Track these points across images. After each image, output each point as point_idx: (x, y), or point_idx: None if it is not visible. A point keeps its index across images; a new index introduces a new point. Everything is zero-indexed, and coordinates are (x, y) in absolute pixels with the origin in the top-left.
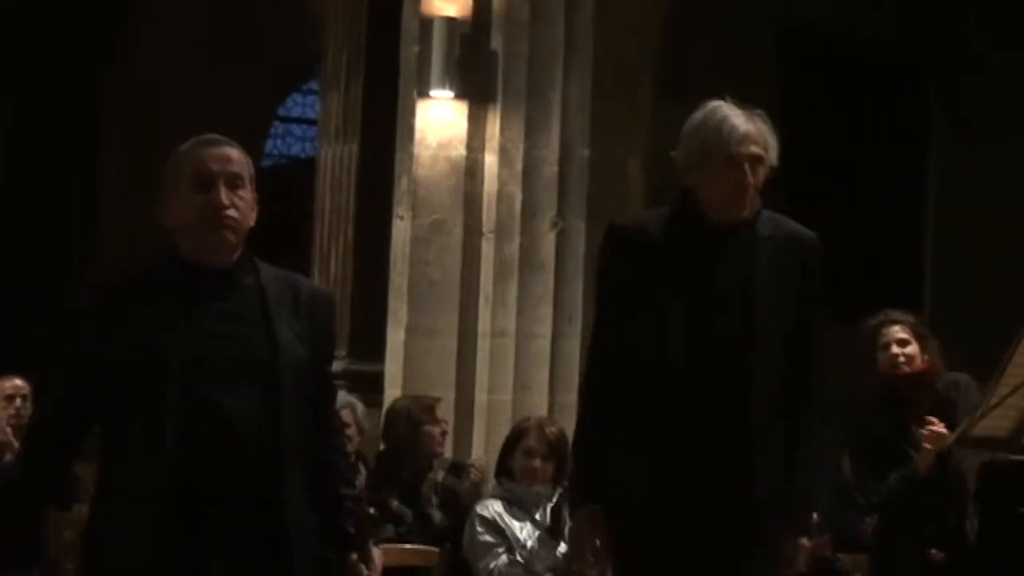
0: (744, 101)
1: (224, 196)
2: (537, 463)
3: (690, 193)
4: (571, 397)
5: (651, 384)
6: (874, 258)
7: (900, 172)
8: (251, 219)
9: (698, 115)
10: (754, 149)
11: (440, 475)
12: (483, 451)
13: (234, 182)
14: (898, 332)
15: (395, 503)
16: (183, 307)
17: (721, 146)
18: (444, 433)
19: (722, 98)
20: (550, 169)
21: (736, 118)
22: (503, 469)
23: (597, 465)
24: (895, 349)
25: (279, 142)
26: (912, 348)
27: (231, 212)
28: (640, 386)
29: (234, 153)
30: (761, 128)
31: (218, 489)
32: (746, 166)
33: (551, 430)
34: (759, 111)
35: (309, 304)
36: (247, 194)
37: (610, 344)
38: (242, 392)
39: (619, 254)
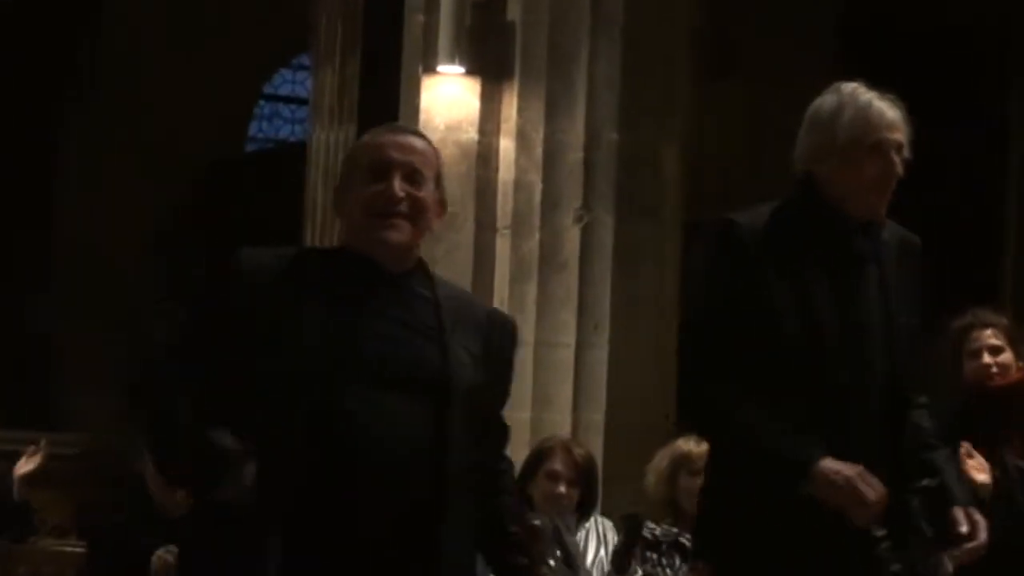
0: (805, 81)
1: (398, 187)
2: (562, 488)
3: (813, 184)
4: (597, 416)
5: (800, 386)
6: (947, 261)
7: (978, 167)
8: (431, 221)
9: (832, 98)
10: (900, 137)
11: None
12: None
13: (414, 176)
14: (990, 337)
15: None
16: (350, 303)
17: (869, 132)
18: None
19: (779, 76)
20: (574, 155)
21: (880, 101)
22: (521, 496)
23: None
24: (987, 357)
25: (265, 124)
26: (1006, 356)
27: (403, 207)
28: (784, 388)
29: (419, 144)
30: (902, 115)
31: (368, 519)
32: (893, 154)
33: (579, 452)
34: (890, 95)
35: (487, 327)
36: (429, 192)
37: (722, 349)
38: (407, 407)
39: (740, 254)
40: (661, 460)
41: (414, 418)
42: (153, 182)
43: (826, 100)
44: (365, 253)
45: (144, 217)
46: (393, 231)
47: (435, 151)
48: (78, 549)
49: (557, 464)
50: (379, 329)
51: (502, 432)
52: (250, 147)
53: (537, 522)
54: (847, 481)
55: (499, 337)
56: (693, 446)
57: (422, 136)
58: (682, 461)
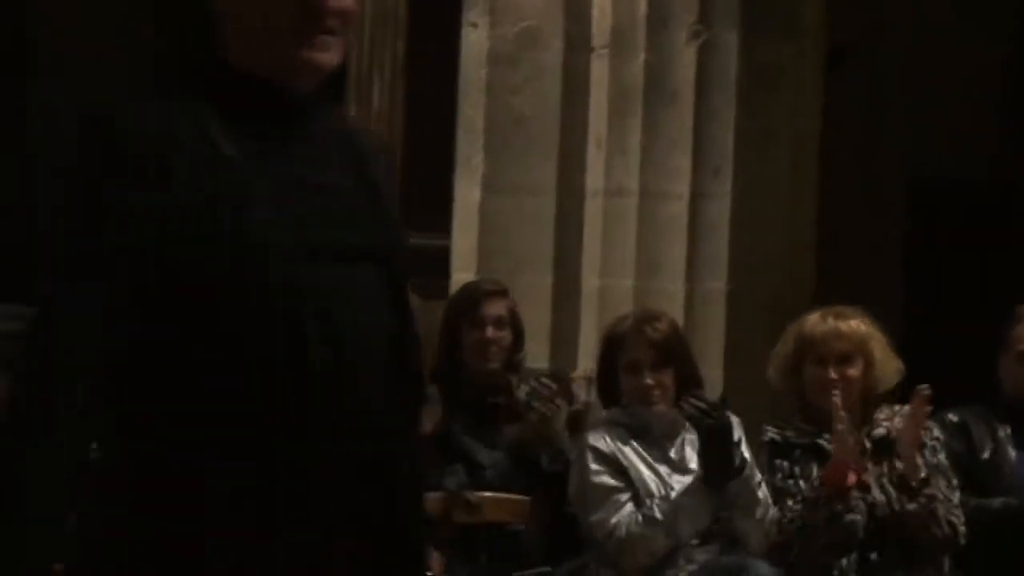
0: None
1: None
2: (649, 380)
3: None
4: (718, 283)
5: None
6: None
7: None
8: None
9: None
10: None
11: (523, 392)
12: (594, 359)
13: None
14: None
15: (462, 436)
16: (249, 149)
17: None
18: (491, 339)
19: None
20: None
21: None
22: (609, 394)
23: None
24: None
25: None
26: None
27: (341, 2)
28: None
29: None
30: None
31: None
32: None
33: (655, 328)
34: None
35: (378, 163)
36: None
37: None
38: (359, 284)
39: None
40: (785, 344)
41: (370, 297)
42: None
43: None
44: (266, 73)
45: None
46: (322, 46)
47: None
48: None
49: (633, 351)
50: (300, 182)
51: None
52: None
53: None
54: None
55: (392, 176)
56: (819, 324)
57: None
58: (807, 346)
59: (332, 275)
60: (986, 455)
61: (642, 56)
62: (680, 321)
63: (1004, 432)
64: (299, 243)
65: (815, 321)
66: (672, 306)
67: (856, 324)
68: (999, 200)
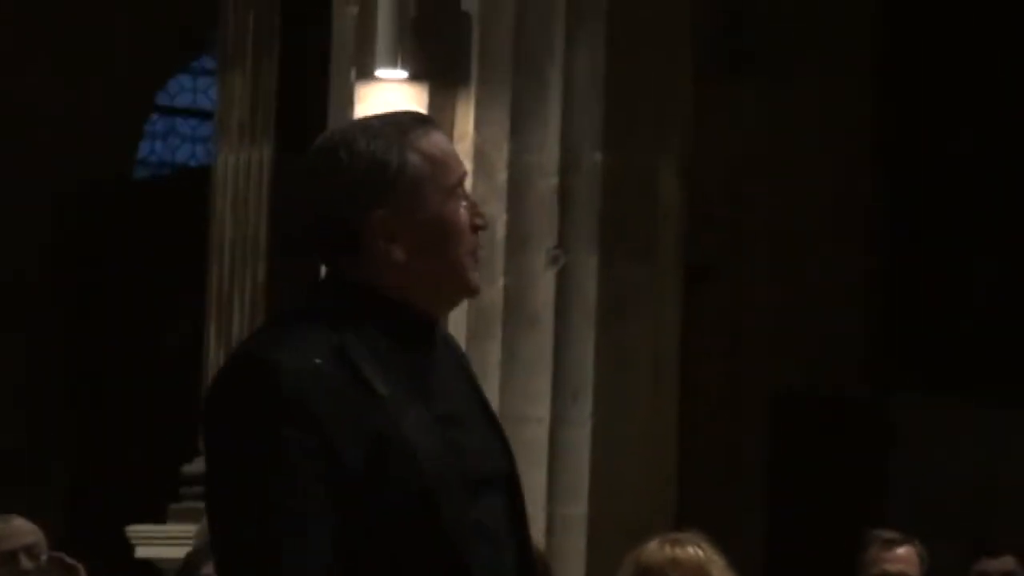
0: (839, 79)
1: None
2: None
3: None
4: (578, 509)
5: None
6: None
7: None
8: None
9: None
10: None
11: None
12: None
13: None
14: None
15: None
16: (399, 385)
17: None
18: None
19: (807, 71)
20: (547, 181)
21: None
22: None
23: None
24: None
25: (159, 144)
26: None
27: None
28: None
29: None
30: None
31: None
32: None
33: None
34: None
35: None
36: None
37: None
38: (495, 507)
39: None
40: (624, 573)
41: (502, 524)
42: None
43: None
44: (422, 306)
45: None
46: (477, 274)
47: None
48: None
49: None
50: (437, 411)
51: None
52: (140, 173)
53: None
54: None
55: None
56: (655, 553)
57: None
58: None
59: (477, 502)
60: None
61: (501, 280)
62: (540, 547)
63: None
64: (456, 475)
65: (652, 550)
66: (532, 532)
67: (693, 551)
68: (862, 415)
